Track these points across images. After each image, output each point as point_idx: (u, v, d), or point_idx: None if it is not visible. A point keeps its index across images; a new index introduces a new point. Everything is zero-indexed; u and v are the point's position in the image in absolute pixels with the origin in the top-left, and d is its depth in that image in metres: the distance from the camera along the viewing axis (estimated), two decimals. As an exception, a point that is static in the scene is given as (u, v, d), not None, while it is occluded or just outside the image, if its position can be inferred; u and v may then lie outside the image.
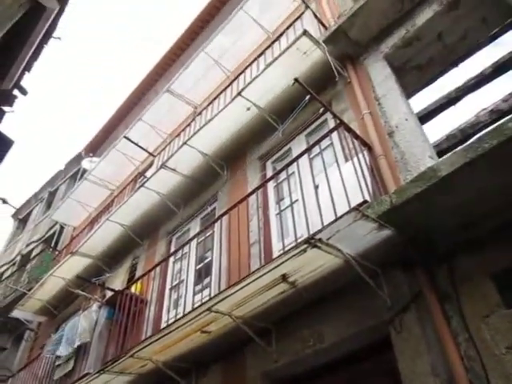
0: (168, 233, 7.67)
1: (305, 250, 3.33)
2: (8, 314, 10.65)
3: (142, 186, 7.41)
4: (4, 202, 6.98)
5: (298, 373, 4.37)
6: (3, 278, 15.30)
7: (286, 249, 3.92)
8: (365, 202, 3.62)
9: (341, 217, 3.25)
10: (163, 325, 5.97)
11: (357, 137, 4.56)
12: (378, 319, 3.66)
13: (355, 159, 4.18)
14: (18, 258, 15.79)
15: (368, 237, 3.45)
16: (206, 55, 8.70)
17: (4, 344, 10.48)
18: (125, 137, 9.54)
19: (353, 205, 3.55)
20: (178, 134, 8.36)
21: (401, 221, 3.30)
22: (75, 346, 7.21)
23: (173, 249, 7.28)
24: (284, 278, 3.74)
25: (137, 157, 10.47)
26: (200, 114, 8.16)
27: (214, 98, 7.92)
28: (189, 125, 8.26)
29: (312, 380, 4.31)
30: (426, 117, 4.81)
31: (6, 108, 6.59)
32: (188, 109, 9.67)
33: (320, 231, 3.32)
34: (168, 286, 6.76)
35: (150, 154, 9.79)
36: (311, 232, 3.71)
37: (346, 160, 4.68)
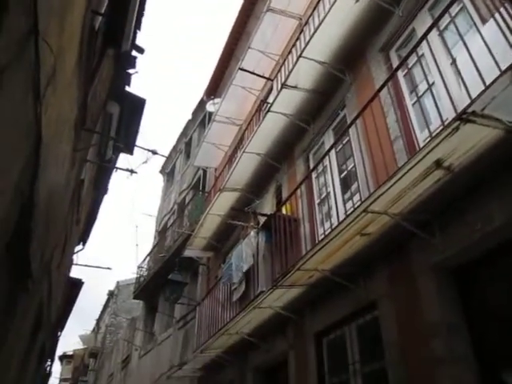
0: (303, 151, 7.71)
1: (457, 128, 3.05)
2: (181, 255, 12.03)
3: (268, 111, 7.46)
4: (154, 153, 7.63)
5: (467, 260, 4.16)
6: (168, 225, 17.20)
7: (434, 134, 3.65)
8: (520, 59, 3.14)
9: (494, 81, 2.87)
10: (320, 237, 6.15)
11: (493, -11, 3.91)
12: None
13: (497, 15, 3.61)
14: (175, 206, 17.49)
15: (531, 97, 3.03)
16: (298, -41, 8.12)
17: (184, 279, 11.93)
18: (240, 68, 9.60)
19: (503, 67, 3.12)
20: (290, 51, 8.10)
21: None
22: (244, 270, 7.88)
23: (312, 165, 7.33)
24: (438, 164, 3.51)
25: (255, 86, 10.53)
26: (307, 23, 7.75)
27: (318, 2, 7.42)
28: (298, 38, 7.92)
29: (483, 266, 4.07)
30: None
31: (130, 70, 7.06)
32: (293, 22, 9.27)
33: (471, 104, 3.00)
34: (316, 201, 6.89)
35: (268, 78, 9.74)
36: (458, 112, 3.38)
37: (484, 22, 4.09)
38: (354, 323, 5.46)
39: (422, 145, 4.56)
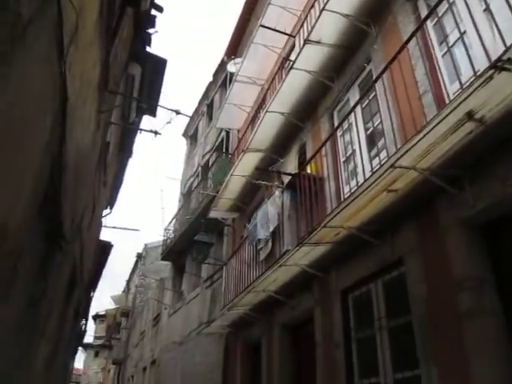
0: (327, 108, 7.56)
1: (491, 77, 2.94)
2: (206, 216, 12.18)
3: (290, 68, 7.29)
4: (178, 112, 7.58)
5: (498, 215, 4.04)
6: (193, 188, 17.36)
7: (466, 85, 3.51)
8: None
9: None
10: (346, 195, 6.11)
11: None
12: None
13: (536, -45, 3.38)
14: (199, 169, 17.58)
15: None
16: None
17: (210, 240, 12.11)
18: (261, 25, 9.35)
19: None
20: (312, 5, 7.82)
21: None
22: (270, 230, 7.93)
23: (336, 123, 7.21)
24: (470, 115, 3.40)
25: (277, 44, 10.27)
26: (330, -26, 7.44)
27: (341, -49, 7.08)
28: (321, -9, 7.64)
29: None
30: None
31: (150, 30, 6.96)
32: (316, -26, 8.92)
33: (507, 50, 2.86)
34: (341, 159, 6.81)
35: (289, 35, 9.47)
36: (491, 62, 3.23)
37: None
38: (380, 279, 5.48)
39: (452, 98, 4.41)
